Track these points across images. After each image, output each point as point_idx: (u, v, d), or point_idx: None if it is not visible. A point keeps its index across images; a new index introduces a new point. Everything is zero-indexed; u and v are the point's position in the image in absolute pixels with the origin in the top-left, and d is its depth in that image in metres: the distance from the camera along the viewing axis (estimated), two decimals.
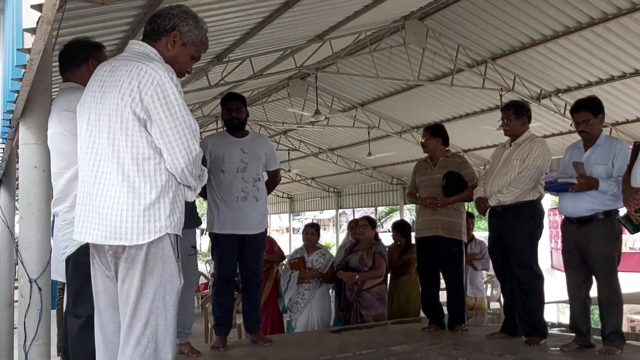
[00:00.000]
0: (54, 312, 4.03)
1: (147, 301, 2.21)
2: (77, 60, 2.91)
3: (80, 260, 2.52)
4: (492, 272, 6.03)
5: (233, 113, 4.39)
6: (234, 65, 9.80)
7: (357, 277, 5.52)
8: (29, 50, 2.07)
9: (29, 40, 2.02)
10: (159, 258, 2.24)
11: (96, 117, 2.28)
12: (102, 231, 2.22)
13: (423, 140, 5.08)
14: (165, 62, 2.33)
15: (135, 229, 2.19)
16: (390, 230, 6.58)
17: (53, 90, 2.97)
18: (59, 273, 2.88)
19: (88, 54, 2.92)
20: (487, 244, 5.25)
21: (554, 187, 4.11)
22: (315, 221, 11.32)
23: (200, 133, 15.49)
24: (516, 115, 4.49)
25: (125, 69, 2.24)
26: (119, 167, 2.21)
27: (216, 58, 9.19)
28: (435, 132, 5.07)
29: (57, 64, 3.00)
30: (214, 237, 4.33)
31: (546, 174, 4.26)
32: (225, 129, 4.52)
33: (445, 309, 5.04)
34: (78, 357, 2.60)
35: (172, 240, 2.29)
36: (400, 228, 6.46)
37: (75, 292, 2.65)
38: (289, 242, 24.82)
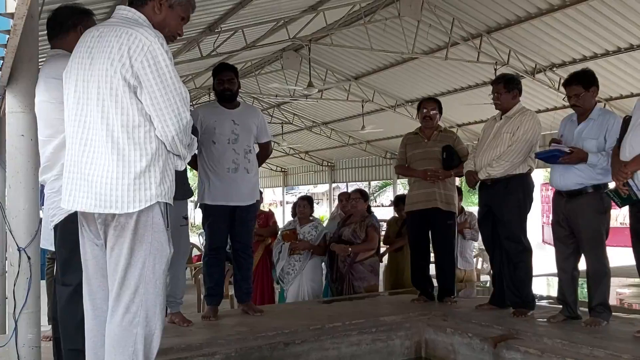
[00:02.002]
0: (43, 282, 4.03)
1: (137, 269, 2.22)
2: (65, 26, 2.87)
3: (68, 229, 2.52)
4: (482, 245, 6.09)
5: (225, 84, 4.36)
6: (226, 36, 9.70)
7: (349, 249, 5.57)
8: (12, 15, 2.04)
9: (11, 5, 1.99)
10: (149, 227, 2.24)
11: (84, 84, 2.25)
12: (91, 199, 2.21)
13: (432, 113, 4.99)
14: (155, 28, 2.29)
15: (126, 197, 2.19)
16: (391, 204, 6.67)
17: (41, 57, 2.93)
18: (49, 242, 2.88)
19: (76, 20, 2.87)
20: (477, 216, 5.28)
21: (544, 154, 4.08)
22: (308, 194, 11.38)
23: (193, 105, 15.41)
24: (506, 88, 4.47)
25: (114, 35, 2.21)
26: (108, 134, 2.20)
27: (208, 28, 9.09)
28: (440, 106, 5.08)
29: (45, 31, 2.96)
30: (204, 208, 4.33)
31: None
32: (216, 99, 4.49)
33: (434, 281, 5.09)
34: (67, 325, 2.61)
35: (162, 209, 2.29)
36: (398, 201, 6.54)
37: (63, 260, 2.65)
38: (282, 216, 24.89)
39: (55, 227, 2.67)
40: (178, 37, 2.49)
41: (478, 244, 7.49)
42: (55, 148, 2.64)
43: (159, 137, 2.25)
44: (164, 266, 2.29)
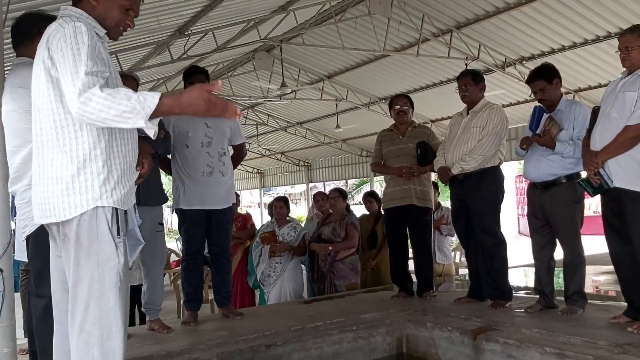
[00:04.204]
0: (18, 294, 3.96)
1: (85, 284, 2.06)
2: (29, 33, 2.83)
3: (40, 240, 2.47)
4: None
5: None
6: (197, 39, 9.62)
7: (330, 248, 5.57)
8: None
9: None
10: (93, 236, 2.07)
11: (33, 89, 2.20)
12: (37, 209, 2.14)
13: (404, 108, 5.03)
14: (96, 20, 2.20)
15: (60, 203, 2.06)
16: (363, 201, 6.63)
17: (7, 66, 2.88)
18: (23, 253, 2.84)
19: (41, 27, 2.79)
20: None
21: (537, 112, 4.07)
22: (285, 195, 11.35)
23: None
24: (474, 81, 4.53)
25: (46, 32, 2.15)
26: (42, 138, 2.11)
27: (177, 31, 9.01)
28: (411, 102, 5.12)
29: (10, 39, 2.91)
30: (180, 213, 4.29)
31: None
32: None
33: (414, 276, 5.12)
34: (42, 337, 2.56)
35: (108, 214, 2.10)
36: (373, 195, 6.55)
37: (37, 271, 2.60)
38: (260, 217, 24.79)
39: (28, 238, 2.63)
40: (128, 29, 2.31)
41: (456, 238, 7.56)
42: (24, 158, 2.59)
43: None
44: (115, 278, 2.09)
